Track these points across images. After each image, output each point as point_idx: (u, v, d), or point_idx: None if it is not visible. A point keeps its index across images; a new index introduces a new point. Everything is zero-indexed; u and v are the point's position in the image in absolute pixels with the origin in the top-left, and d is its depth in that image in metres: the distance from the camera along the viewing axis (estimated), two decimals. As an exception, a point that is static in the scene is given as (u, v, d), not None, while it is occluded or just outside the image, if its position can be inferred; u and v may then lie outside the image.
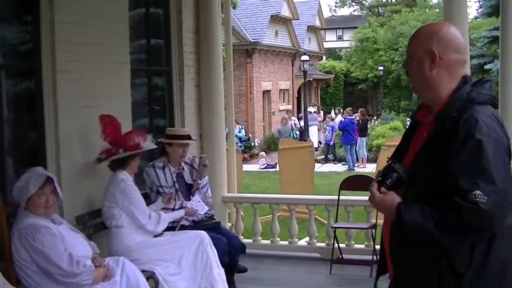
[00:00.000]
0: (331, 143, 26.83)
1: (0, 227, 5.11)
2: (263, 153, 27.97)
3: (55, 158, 6.44)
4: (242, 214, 9.66)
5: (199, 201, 7.18)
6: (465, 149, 2.78)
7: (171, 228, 6.75)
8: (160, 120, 8.97)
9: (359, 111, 27.14)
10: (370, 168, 22.29)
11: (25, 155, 6.55)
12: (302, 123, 31.50)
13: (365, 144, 25.34)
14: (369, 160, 24.88)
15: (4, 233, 5.08)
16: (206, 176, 7.57)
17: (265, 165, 25.54)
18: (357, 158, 25.10)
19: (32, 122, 6.52)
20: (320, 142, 30.08)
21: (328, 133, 26.88)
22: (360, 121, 25.55)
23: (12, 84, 6.41)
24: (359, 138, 25.01)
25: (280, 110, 35.89)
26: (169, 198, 6.78)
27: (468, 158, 2.77)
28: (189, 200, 7.21)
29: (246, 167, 20.56)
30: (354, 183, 8.97)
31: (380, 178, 3.03)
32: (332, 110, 35.76)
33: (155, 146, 6.91)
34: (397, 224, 2.96)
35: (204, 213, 7.25)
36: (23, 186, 5.17)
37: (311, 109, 32.57)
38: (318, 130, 31.78)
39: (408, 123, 27.18)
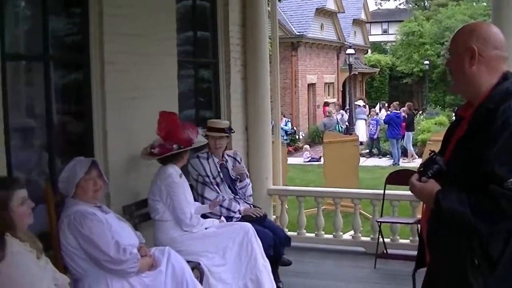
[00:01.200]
0: (375, 136, 26.61)
1: (48, 215, 5.14)
2: (307, 146, 27.89)
3: (103, 149, 6.47)
4: (286, 207, 9.63)
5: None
6: (501, 137, 2.84)
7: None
8: (206, 112, 8.98)
9: (406, 105, 26.87)
10: (417, 163, 22.07)
11: (72, 147, 6.59)
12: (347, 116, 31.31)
13: (411, 138, 25.06)
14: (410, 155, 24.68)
15: (52, 222, 5.11)
16: (248, 179, 7.54)
17: (310, 158, 25.46)
18: (402, 152, 24.89)
19: (80, 113, 6.56)
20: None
21: (373, 127, 26.67)
22: (407, 116, 25.30)
23: (60, 76, 6.45)
24: (406, 132, 24.78)
25: (324, 104, 35.71)
26: (214, 204, 6.70)
27: (505, 146, 2.83)
28: (235, 191, 7.22)
29: (291, 160, 20.49)
30: (399, 177, 8.85)
31: (421, 169, 3.10)
32: (378, 104, 35.48)
33: (206, 141, 6.93)
34: (435, 211, 3.02)
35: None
36: (69, 174, 5.21)
37: (359, 102, 32.30)
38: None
39: (454, 118, 27.12)
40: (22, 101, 6.08)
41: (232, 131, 7.38)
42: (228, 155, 7.46)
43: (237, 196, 7.28)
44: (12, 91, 5.56)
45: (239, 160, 7.49)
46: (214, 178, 7.13)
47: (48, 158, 6.11)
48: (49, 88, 6.02)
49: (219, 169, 7.21)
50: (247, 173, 7.58)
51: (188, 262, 5.67)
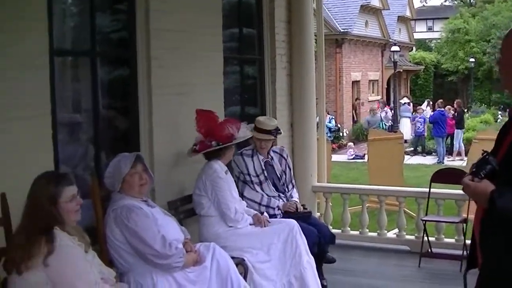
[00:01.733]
0: (424, 134, 26.29)
1: (95, 210, 5.16)
2: (351, 143, 27.72)
3: (149, 144, 6.49)
4: (330, 204, 9.56)
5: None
6: None
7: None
8: (251, 109, 8.96)
9: (455, 102, 26.56)
10: (461, 161, 21.84)
11: (118, 142, 6.63)
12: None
13: (460, 136, 24.72)
14: (458, 153, 24.36)
15: (98, 216, 5.14)
16: (295, 189, 7.49)
17: (354, 155, 25.31)
18: (447, 150, 24.63)
19: (126, 109, 6.59)
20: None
21: (420, 124, 26.34)
22: (457, 113, 25.01)
23: (107, 71, 6.48)
24: (455, 130, 24.51)
25: (369, 101, 35.47)
26: (258, 219, 6.58)
27: None
28: (279, 190, 7.19)
29: (335, 158, 20.39)
30: (445, 176, 8.74)
31: (474, 170, 3.04)
32: (425, 102, 35.12)
33: (250, 135, 6.88)
34: (489, 211, 2.98)
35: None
36: (114, 170, 5.23)
37: (404, 100, 31.96)
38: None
39: (500, 116, 26.60)
40: (69, 96, 6.11)
41: (279, 132, 7.25)
42: (274, 151, 7.39)
43: (282, 194, 7.24)
44: (60, 87, 5.60)
45: (285, 157, 7.41)
46: (257, 176, 7.09)
47: (94, 153, 6.14)
48: (95, 84, 6.04)
49: (263, 167, 7.17)
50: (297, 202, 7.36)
51: (233, 258, 5.64)
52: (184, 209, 6.57)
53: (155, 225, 5.04)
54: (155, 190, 6.29)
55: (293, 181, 7.54)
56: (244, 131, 6.60)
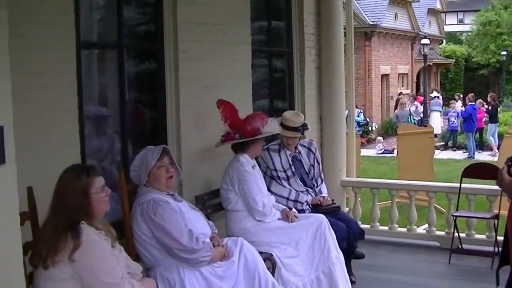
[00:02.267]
0: (457, 128, 25.97)
1: (121, 204, 5.14)
2: (380, 138, 27.57)
3: (176, 138, 6.49)
4: (359, 199, 9.50)
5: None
6: None
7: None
8: (280, 103, 8.93)
9: (489, 96, 26.27)
10: (492, 157, 21.64)
11: (145, 135, 6.63)
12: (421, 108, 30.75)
13: (495, 130, 24.43)
14: (488, 148, 24.16)
15: (125, 210, 5.12)
16: (323, 183, 7.44)
17: (382, 150, 25.16)
18: (477, 145, 24.41)
19: (153, 102, 6.58)
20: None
21: (455, 119, 26.03)
22: (491, 107, 24.76)
23: (134, 65, 6.48)
24: (489, 124, 24.28)
25: (398, 95, 35.22)
26: (286, 214, 6.52)
27: None
28: (307, 185, 7.13)
29: (363, 152, 20.28)
30: (477, 170, 8.63)
31: (510, 163, 3.03)
32: (458, 96, 34.81)
33: (277, 131, 6.82)
34: None
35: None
36: (141, 163, 5.23)
37: (434, 93, 31.68)
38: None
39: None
40: (96, 90, 6.11)
41: (307, 127, 7.16)
42: (302, 145, 7.34)
43: (310, 189, 7.18)
44: (86, 80, 5.60)
45: (314, 151, 7.35)
46: (284, 172, 7.04)
47: (121, 146, 6.15)
48: (122, 77, 6.03)
49: (291, 162, 7.11)
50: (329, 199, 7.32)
51: (261, 253, 5.61)
52: (212, 204, 6.54)
53: (182, 220, 5.02)
54: (182, 184, 6.29)
55: (322, 175, 7.47)
56: (271, 126, 6.53)
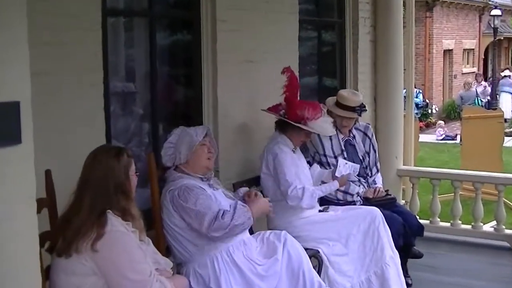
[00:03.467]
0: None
1: (151, 191, 5.15)
2: (441, 122, 27.29)
3: (213, 118, 6.50)
4: (417, 190, 9.42)
5: (346, 163, 6.79)
6: None
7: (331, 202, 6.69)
8: (329, 80, 8.90)
9: None
10: None
11: (178, 116, 6.64)
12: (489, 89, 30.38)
13: None
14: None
15: (155, 197, 5.12)
16: (379, 173, 7.39)
17: (443, 135, 24.92)
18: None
19: (187, 78, 6.60)
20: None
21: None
22: None
23: (166, 35, 6.49)
24: None
25: (463, 73, 34.86)
26: (343, 180, 6.50)
27: None
28: (360, 174, 7.05)
29: (422, 138, 20.09)
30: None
31: None
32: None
33: (324, 134, 6.67)
34: None
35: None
36: (180, 139, 5.22)
37: (506, 72, 31.22)
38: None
39: None
40: (123, 62, 6.12)
41: (364, 109, 7.06)
42: (357, 129, 7.29)
43: (363, 179, 7.12)
44: (112, 51, 5.60)
45: (370, 136, 7.30)
46: (334, 158, 6.94)
47: (151, 127, 6.16)
48: (153, 49, 6.03)
49: (343, 147, 7.04)
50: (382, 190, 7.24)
51: (306, 249, 5.56)
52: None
53: (216, 207, 4.99)
54: (219, 170, 6.28)
55: (378, 165, 7.42)
56: (320, 126, 6.35)
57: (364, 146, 7.24)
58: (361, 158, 7.16)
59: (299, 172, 6.24)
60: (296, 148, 6.37)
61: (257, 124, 6.55)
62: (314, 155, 7.00)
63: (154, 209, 5.12)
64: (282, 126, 6.30)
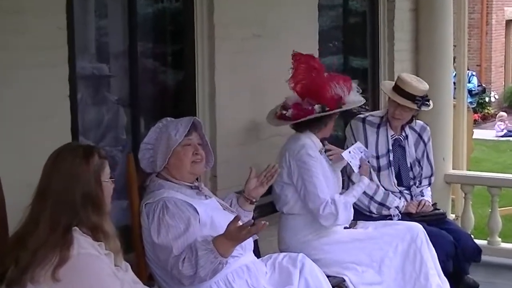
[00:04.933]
0: None
1: (130, 202, 5.15)
2: (503, 113, 27.30)
3: (209, 110, 6.51)
4: (471, 202, 9.41)
5: (349, 152, 6.57)
6: None
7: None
8: (357, 60, 8.91)
9: None
10: None
11: (165, 106, 6.67)
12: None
13: None
14: None
15: (134, 210, 5.11)
16: (429, 187, 7.36)
17: (505, 131, 24.99)
18: None
19: (177, 57, 6.61)
20: None
21: None
22: None
23: (149, 3, 6.52)
24: None
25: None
26: (365, 170, 6.44)
27: None
28: (403, 184, 7.11)
29: (477, 134, 20.12)
30: None
31: None
32: None
33: (362, 101, 6.65)
34: None
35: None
36: (158, 139, 5.13)
37: None
38: None
39: None
40: (93, 37, 6.14)
41: (427, 103, 7.02)
42: (412, 129, 7.27)
43: (406, 190, 7.14)
44: (81, 23, 5.60)
45: (426, 141, 7.29)
46: (377, 158, 7.01)
47: (130, 120, 6.16)
48: (132, 20, 6.04)
49: (390, 146, 7.08)
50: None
51: (328, 277, 5.58)
52: (259, 204, 6.41)
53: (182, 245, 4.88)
54: (217, 175, 6.32)
55: (432, 178, 7.43)
56: (355, 95, 6.41)
57: (416, 151, 7.25)
58: (409, 165, 7.18)
59: (328, 179, 6.24)
60: (322, 148, 6.35)
61: (264, 121, 6.50)
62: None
63: (134, 225, 5.11)
64: (308, 124, 6.22)
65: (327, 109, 6.14)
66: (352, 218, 6.28)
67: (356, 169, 6.46)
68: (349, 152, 6.51)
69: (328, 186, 6.17)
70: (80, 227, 3.94)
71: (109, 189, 4.16)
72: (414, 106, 6.92)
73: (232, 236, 4.67)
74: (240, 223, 4.69)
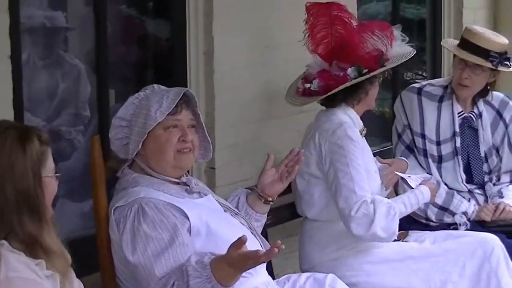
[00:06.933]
0: None
1: (95, 203, 5.09)
2: None
3: (204, 76, 6.56)
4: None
5: (409, 176, 6.51)
6: None
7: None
8: (411, 9, 8.94)
9: None
10: None
11: (145, 74, 6.69)
12: None
13: None
14: None
15: (100, 215, 5.05)
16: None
17: None
18: None
19: (160, 4, 6.68)
20: None
21: None
22: None
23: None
24: None
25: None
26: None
27: None
28: (475, 181, 7.06)
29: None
30: None
31: None
32: None
33: (413, 51, 6.40)
34: None
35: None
36: (135, 114, 4.98)
37: None
38: None
39: None
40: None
41: (507, 62, 6.80)
42: (488, 104, 7.15)
43: (477, 189, 7.08)
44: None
45: (507, 120, 7.14)
46: (438, 144, 6.96)
47: (96, 91, 6.18)
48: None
49: (457, 128, 7.00)
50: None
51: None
52: (279, 205, 6.40)
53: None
54: (215, 167, 6.34)
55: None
56: (401, 46, 6.27)
57: (493, 135, 7.14)
58: (483, 153, 7.11)
59: (371, 172, 6.11)
60: (364, 128, 6.26)
61: (281, 90, 6.48)
62: (401, 132, 7.01)
63: (100, 236, 5.07)
64: (344, 94, 6.05)
65: (365, 70, 5.99)
66: (396, 232, 5.98)
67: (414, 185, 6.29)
68: (409, 176, 6.42)
69: (368, 182, 6.00)
70: (10, 240, 3.86)
71: (52, 187, 4.01)
72: (488, 64, 6.73)
73: (235, 264, 4.45)
74: (245, 248, 4.39)
